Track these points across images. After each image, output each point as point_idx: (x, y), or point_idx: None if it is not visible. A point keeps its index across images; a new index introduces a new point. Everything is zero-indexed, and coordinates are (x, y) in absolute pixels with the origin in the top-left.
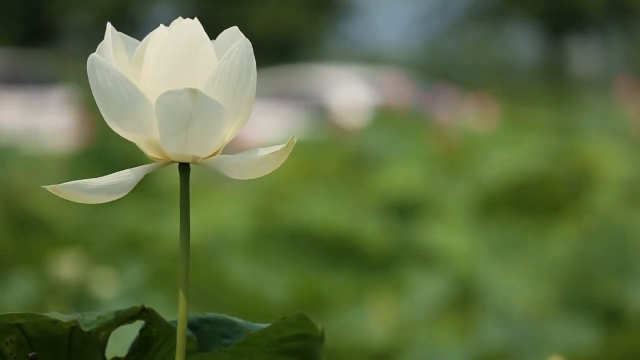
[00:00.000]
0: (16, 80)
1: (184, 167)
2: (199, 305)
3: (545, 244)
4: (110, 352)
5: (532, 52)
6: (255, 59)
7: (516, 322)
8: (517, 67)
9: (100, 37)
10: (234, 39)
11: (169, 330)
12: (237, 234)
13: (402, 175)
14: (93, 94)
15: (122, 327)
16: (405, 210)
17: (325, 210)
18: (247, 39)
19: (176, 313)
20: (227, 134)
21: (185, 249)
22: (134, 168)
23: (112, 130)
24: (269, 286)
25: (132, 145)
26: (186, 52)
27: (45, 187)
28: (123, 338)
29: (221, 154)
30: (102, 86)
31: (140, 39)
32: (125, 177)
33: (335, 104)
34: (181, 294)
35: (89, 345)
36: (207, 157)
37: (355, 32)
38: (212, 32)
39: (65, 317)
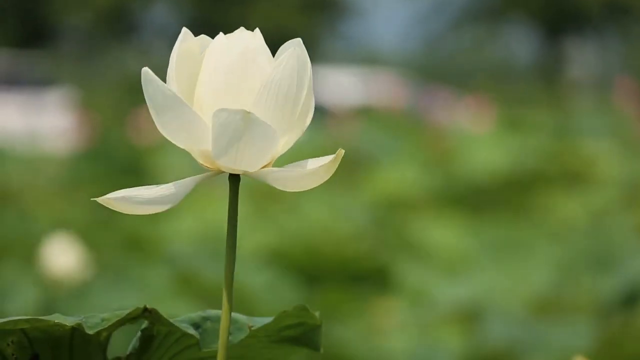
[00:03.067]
0: (14, 81)
1: (234, 178)
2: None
3: (538, 242)
4: (111, 351)
5: (529, 53)
6: None
7: (515, 321)
8: (514, 68)
9: (99, 37)
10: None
11: (169, 327)
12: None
13: (397, 175)
14: (147, 103)
15: (123, 326)
16: (401, 210)
17: (320, 210)
18: (302, 48)
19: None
20: (279, 148)
21: (231, 254)
22: (185, 179)
23: (111, 132)
24: (281, 291)
25: (131, 146)
26: (242, 64)
27: (95, 199)
28: (125, 337)
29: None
30: (154, 100)
31: (138, 39)
32: (175, 189)
33: (332, 104)
34: (225, 300)
35: (91, 345)
36: (258, 170)
37: (353, 33)
38: (211, 32)
39: (69, 320)
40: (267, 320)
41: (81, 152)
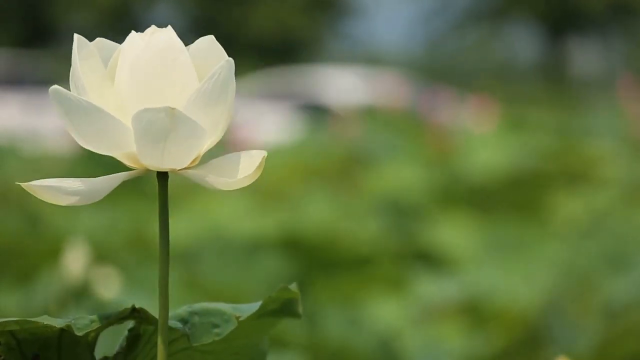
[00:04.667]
0: (16, 80)
1: (163, 176)
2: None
3: (541, 243)
4: (99, 351)
5: (532, 53)
6: (255, 59)
7: (518, 321)
8: (517, 68)
9: (102, 37)
10: (212, 50)
11: (156, 326)
12: (235, 235)
13: (400, 175)
14: (61, 120)
15: (111, 327)
16: (403, 210)
17: (323, 210)
18: (230, 58)
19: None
20: (205, 146)
21: (164, 254)
22: (112, 176)
23: None
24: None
25: None
26: (162, 64)
27: (20, 184)
28: (112, 337)
29: (200, 161)
30: (70, 115)
31: None
32: (101, 184)
33: (334, 104)
34: (161, 299)
35: (78, 346)
36: (184, 169)
37: (355, 32)
38: (212, 32)
39: (57, 322)
40: (254, 306)
41: (82, 152)
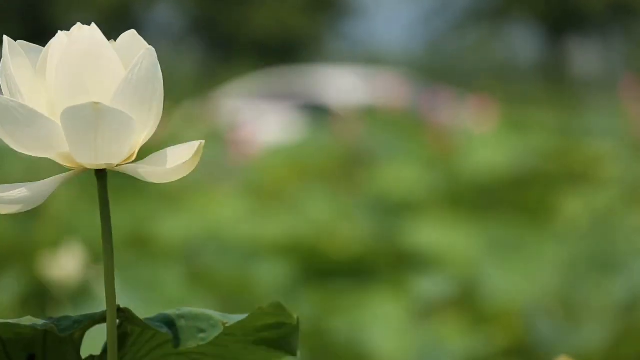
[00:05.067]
0: None
1: (100, 173)
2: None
3: (542, 243)
4: (85, 350)
5: (532, 53)
6: (255, 59)
7: (520, 321)
8: (517, 68)
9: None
10: (135, 43)
11: (143, 326)
12: (232, 235)
13: (400, 175)
14: None
15: (97, 325)
16: (403, 210)
17: (323, 210)
18: (150, 47)
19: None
20: (139, 139)
21: (108, 253)
22: (48, 180)
23: None
24: (283, 288)
25: None
26: (88, 59)
27: None
28: (98, 336)
29: (136, 157)
30: (3, 120)
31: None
32: (39, 188)
33: (334, 104)
34: (108, 304)
35: (64, 345)
36: (120, 164)
37: (355, 32)
38: (212, 32)
39: (40, 324)
40: (242, 317)
41: None
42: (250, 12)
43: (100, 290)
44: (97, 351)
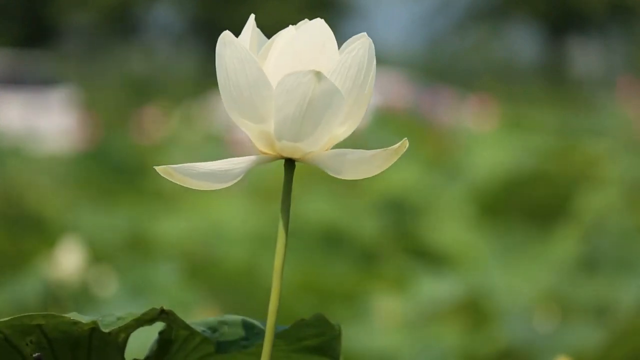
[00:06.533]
0: (17, 80)
1: (290, 164)
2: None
3: (546, 244)
4: (129, 354)
5: (533, 53)
6: None
7: (520, 322)
8: (518, 68)
9: (102, 37)
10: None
11: (188, 331)
12: (236, 233)
13: (401, 174)
14: (217, 74)
15: (141, 329)
16: (403, 209)
17: (323, 209)
18: (370, 40)
19: (185, 315)
20: (339, 131)
21: (281, 248)
22: (245, 157)
23: (114, 131)
24: (283, 289)
25: (134, 146)
26: (310, 48)
27: (156, 167)
28: (143, 340)
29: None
30: (229, 64)
31: (141, 39)
32: (235, 164)
33: None
34: (274, 290)
35: (109, 347)
36: (315, 152)
37: (355, 32)
38: (213, 32)
39: (84, 318)
40: (283, 328)
41: (84, 152)
42: (251, 11)
43: (101, 291)
44: (141, 355)
